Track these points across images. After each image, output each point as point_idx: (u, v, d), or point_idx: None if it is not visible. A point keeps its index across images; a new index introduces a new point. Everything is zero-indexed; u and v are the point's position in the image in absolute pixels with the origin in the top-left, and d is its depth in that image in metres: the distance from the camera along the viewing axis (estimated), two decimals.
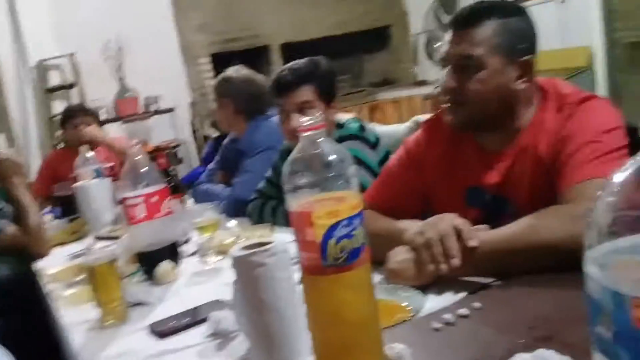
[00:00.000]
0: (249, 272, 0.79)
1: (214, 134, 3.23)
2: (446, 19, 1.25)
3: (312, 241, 0.70)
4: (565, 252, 0.89)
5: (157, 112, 4.74)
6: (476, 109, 1.16)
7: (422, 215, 1.14)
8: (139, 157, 1.40)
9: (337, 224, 0.70)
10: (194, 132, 4.93)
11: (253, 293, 0.80)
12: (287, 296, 0.80)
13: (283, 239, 0.83)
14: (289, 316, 0.80)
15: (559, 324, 0.77)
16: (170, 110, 4.79)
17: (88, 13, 4.35)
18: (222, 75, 2.32)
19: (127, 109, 4.64)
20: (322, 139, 0.73)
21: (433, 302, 0.95)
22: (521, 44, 1.15)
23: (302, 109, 1.63)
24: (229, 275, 0.85)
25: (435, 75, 1.25)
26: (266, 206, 1.79)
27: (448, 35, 1.19)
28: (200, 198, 2.10)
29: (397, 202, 1.29)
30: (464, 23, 1.16)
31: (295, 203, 0.72)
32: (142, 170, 1.38)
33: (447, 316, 0.85)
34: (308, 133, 0.73)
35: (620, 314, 0.37)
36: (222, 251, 1.42)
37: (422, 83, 5.60)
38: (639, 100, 4.10)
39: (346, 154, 0.74)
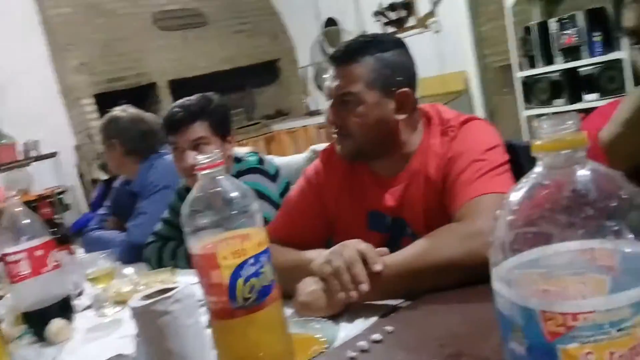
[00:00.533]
0: (152, 322, 0.74)
1: (103, 176, 3.08)
2: (331, 51, 1.30)
3: (219, 283, 0.67)
4: (464, 267, 0.92)
5: (37, 158, 4.44)
6: (360, 141, 1.19)
7: (327, 243, 1.14)
8: (18, 208, 1.28)
9: (243, 263, 0.67)
10: (81, 176, 4.67)
11: (158, 344, 0.74)
12: (196, 343, 0.76)
13: (186, 281, 0.79)
14: None
15: (469, 338, 0.79)
16: (52, 155, 4.51)
17: None
18: (108, 115, 2.21)
19: (4, 157, 4.32)
20: (221, 176, 0.71)
21: (346, 330, 0.94)
22: (397, 76, 1.19)
23: (197, 145, 1.59)
24: (130, 326, 0.79)
25: (326, 105, 1.27)
26: (165, 248, 1.71)
27: (330, 70, 1.22)
28: (92, 246, 1.97)
29: (301, 232, 1.28)
30: (342, 60, 1.19)
31: (197, 245, 0.69)
32: (22, 223, 1.27)
33: (362, 343, 0.85)
34: (206, 171, 0.70)
35: (531, 328, 0.38)
36: (120, 301, 1.34)
37: (315, 113, 5.74)
38: (510, 118, 4.47)
39: (247, 190, 0.72)
